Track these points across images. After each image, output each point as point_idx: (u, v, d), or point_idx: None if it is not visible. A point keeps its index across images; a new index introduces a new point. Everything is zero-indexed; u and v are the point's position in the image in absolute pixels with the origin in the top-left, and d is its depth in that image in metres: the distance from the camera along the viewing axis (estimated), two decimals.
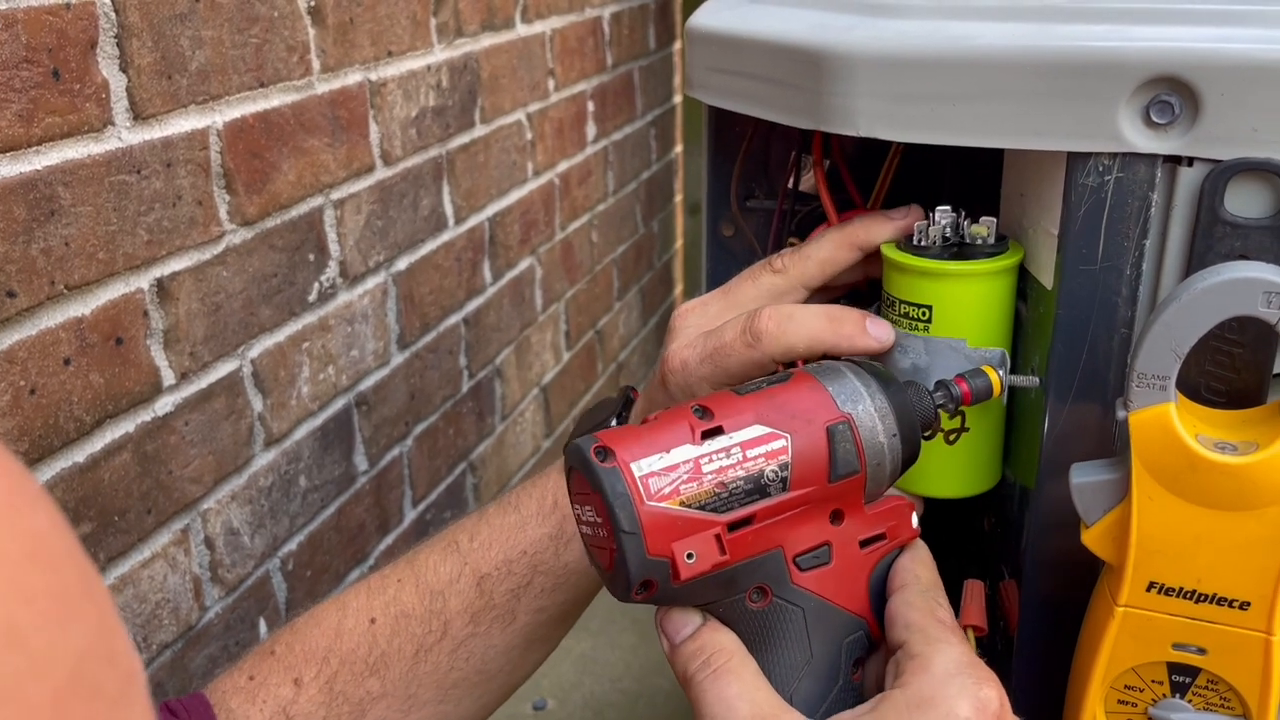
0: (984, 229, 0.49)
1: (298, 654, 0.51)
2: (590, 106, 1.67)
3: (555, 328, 1.62)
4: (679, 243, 2.25)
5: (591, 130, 1.68)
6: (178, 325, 0.82)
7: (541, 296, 1.55)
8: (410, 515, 1.21)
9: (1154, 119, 0.41)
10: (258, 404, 0.92)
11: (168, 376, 0.81)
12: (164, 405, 0.81)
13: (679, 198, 2.21)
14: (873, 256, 0.53)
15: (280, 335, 0.95)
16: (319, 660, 0.50)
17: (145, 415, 0.79)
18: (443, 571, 0.52)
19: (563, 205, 1.59)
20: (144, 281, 0.78)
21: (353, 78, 1.03)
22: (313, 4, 0.95)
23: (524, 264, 1.47)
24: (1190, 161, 0.41)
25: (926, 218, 0.50)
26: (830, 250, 0.53)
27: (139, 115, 0.76)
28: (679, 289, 2.29)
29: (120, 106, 0.75)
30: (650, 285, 2.09)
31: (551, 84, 1.51)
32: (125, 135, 0.75)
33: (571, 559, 0.52)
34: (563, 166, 1.58)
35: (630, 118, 1.87)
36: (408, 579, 0.52)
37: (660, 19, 1.98)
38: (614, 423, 0.53)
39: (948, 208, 0.50)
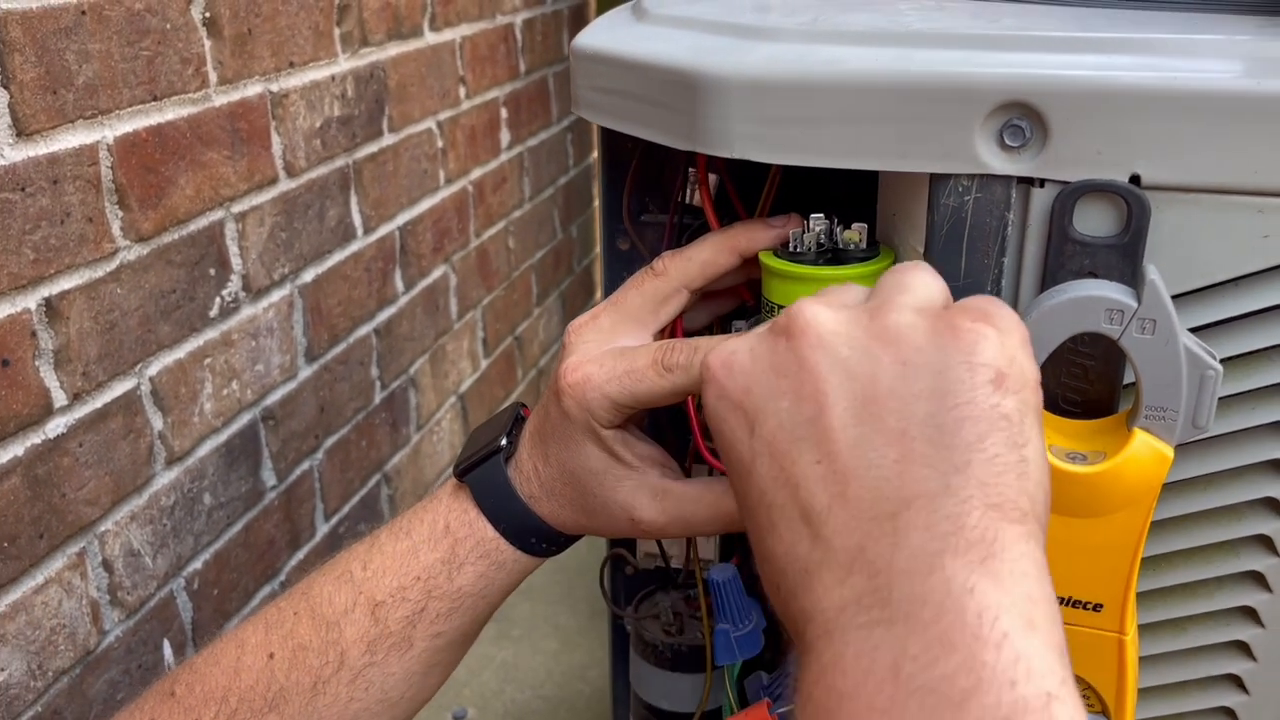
0: (856, 234, 0.51)
1: (198, 695, 0.50)
2: (503, 113, 1.66)
3: (472, 335, 1.61)
4: (599, 247, 2.25)
5: (505, 137, 1.68)
6: (69, 345, 0.80)
7: (457, 304, 1.54)
8: (323, 529, 1.20)
9: (1007, 142, 0.43)
10: (158, 422, 0.91)
11: (59, 398, 0.79)
12: (55, 427, 0.79)
13: (598, 202, 2.22)
14: (752, 261, 0.54)
15: (180, 352, 0.93)
16: (218, 700, 0.50)
17: (35, 438, 0.77)
18: (337, 602, 0.52)
19: (477, 212, 1.59)
20: (31, 301, 0.76)
21: (253, 89, 1.01)
22: (208, 15, 0.94)
23: (438, 272, 1.47)
24: (1041, 183, 0.43)
25: (802, 223, 0.52)
26: (710, 253, 0.53)
27: (22, 132, 0.75)
28: (600, 293, 2.30)
29: (2, 124, 0.73)
30: (571, 290, 2.10)
31: (463, 91, 1.51)
32: (8, 153, 0.73)
33: (465, 583, 0.52)
34: (476, 174, 1.58)
35: (546, 124, 1.87)
36: (303, 611, 0.52)
37: (574, 24, 1.98)
38: (503, 441, 0.53)
39: (820, 215, 0.51)
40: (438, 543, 0.53)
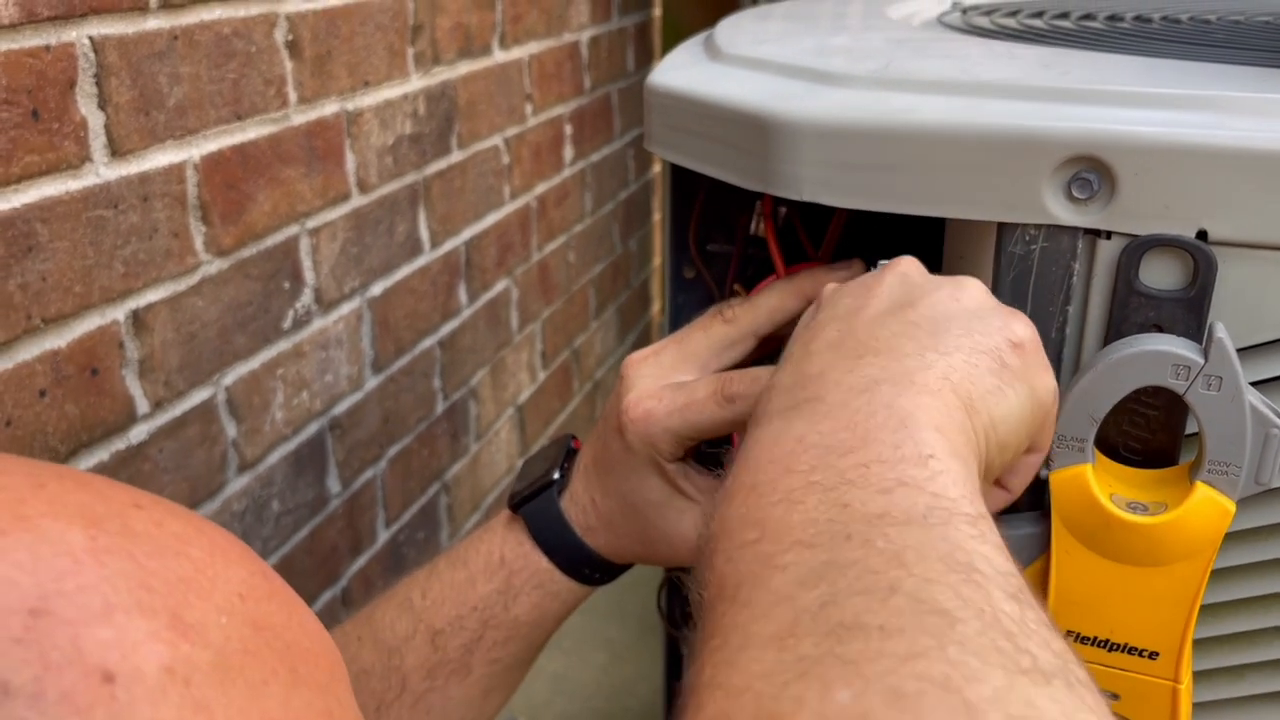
0: None
1: None
2: (568, 129, 1.69)
3: (531, 348, 1.64)
4: (656, 261, 2.27)
5: (569, 152, 1.70)
6: (153, 355, 0.83)
7: (518, 317, 1.57)
8: (383, 536, 1.23)
9: (1075, 194, 0.44)
10: (231, 430, 0.94)
11: (142, 405, 0.82)
12: (138, 434, 0.82)
13: (657, 216, 2.24)
14: None
15: (254, 362, 0.96)
16: None
17: (120, 444, 0.80)
18: (399, 629, 0.54)
19: (539, 227, 1.62)
20: (120, 313, 0.80)
21: (329, 108, 1.04)
22: (290, 38, 0.97)
23: (500, 286, 1.49)
24: (1108, 235, 0.44)
25: (868, 271, 0.53)
26: (778, 300, 0.55)
27: (116, 151, 0.78)
28: (656, 306, 2.32)
29: (98, 143, 0.76)
30: (628, 303, 2.11)
31: (529, 108, 1.53)
32: (103, 171, 0.77)
33: (521, 612, 0.54)
34: (540, 189, 1.60)
35: (608, 139, 1.89)
36: (366, 636, 0.54)
37: (639, 40, 2.00)
38: (556, 475, 0.55)
39: (887, 262, 0.52)
40: (493, 574, 0.54)
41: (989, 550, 0.29)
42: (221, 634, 0.24)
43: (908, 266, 0.44)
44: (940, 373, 0.36)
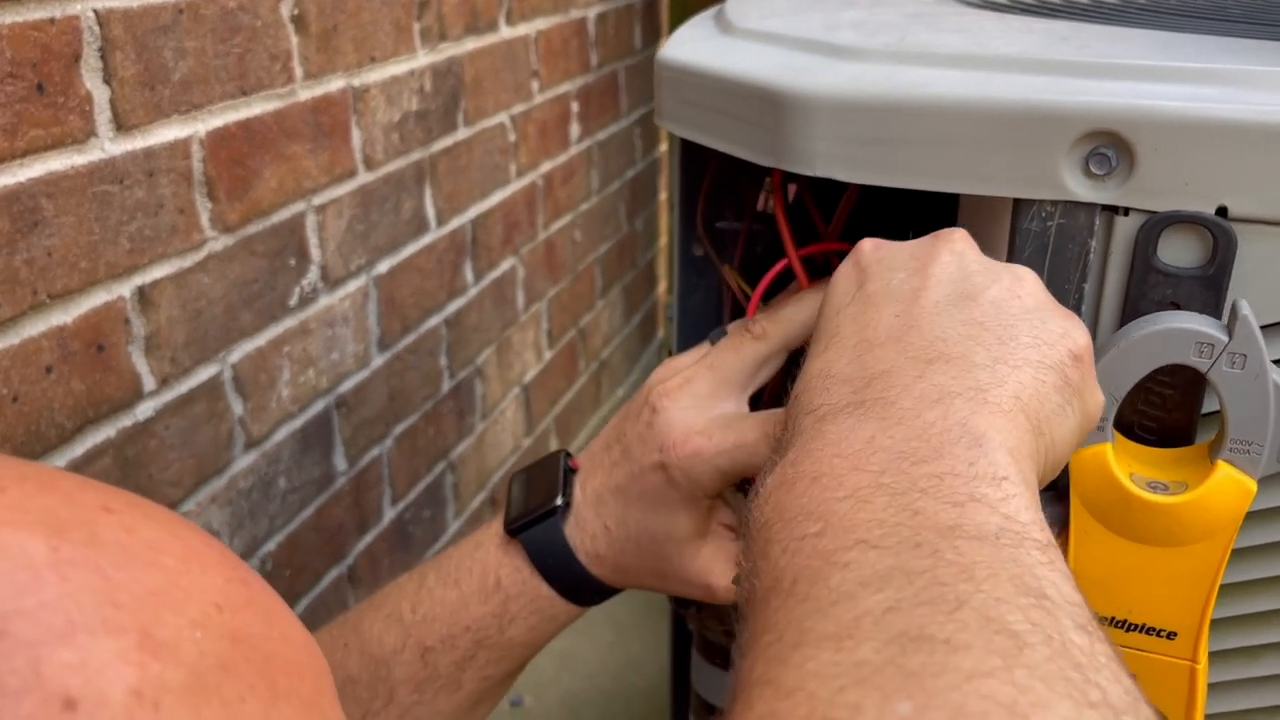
0: None
1: None
2: (574, 107, 1.68)
3: (537, 327, 1.63)
4: (662, 240, 2.27)
5: (575, 130, 1.69)
6: (159, 332, 0.83)
7: (523, 296, 1.56)
8: (389, 514, 1.23)
9: (1093, 170, 0.43)
10: (238, 407, 0.94)
11: (148, 382, 0.82)
12: (145, 410, 0.82)
13: (663, 195, 2.23)
14: None
15: (261, 339, 0.96)
16: None
17: (126, 420, 0.80)
18: (387, 642, 0.53)
19: (546, 205, 1.61)
20: (125, 289, 0.79)
21: (335, 84, 1.04)
22: (296, 13, 0.96)
23: (506, 264, 1.49)
24: (1126, 211, 0.43)
25: None
26: (809, 312, 0.52)
27: (122, 126, 0.77)
28: (662, 285, 2.31)
29: (103, 118, 0.76)
30: (633, 283, 2.11)
31: (535, 85, 1.52)
32: (108, 146, 0.76)
33: (516, 634, 0.53)
34: (546, 167, 1.59)
35: (615, 117, 1.88)
36: (354, 644, 0.53)
37: (646, 18, 1.99)
38: (559, 500, 0.53)
39: None
40: (489, 597, 0.53)
41: (1058, 579, 0.29)
42: (195, 650, 0.23)
43: (962, 244, 0.42)
44: (1012, 391, 0.35)
